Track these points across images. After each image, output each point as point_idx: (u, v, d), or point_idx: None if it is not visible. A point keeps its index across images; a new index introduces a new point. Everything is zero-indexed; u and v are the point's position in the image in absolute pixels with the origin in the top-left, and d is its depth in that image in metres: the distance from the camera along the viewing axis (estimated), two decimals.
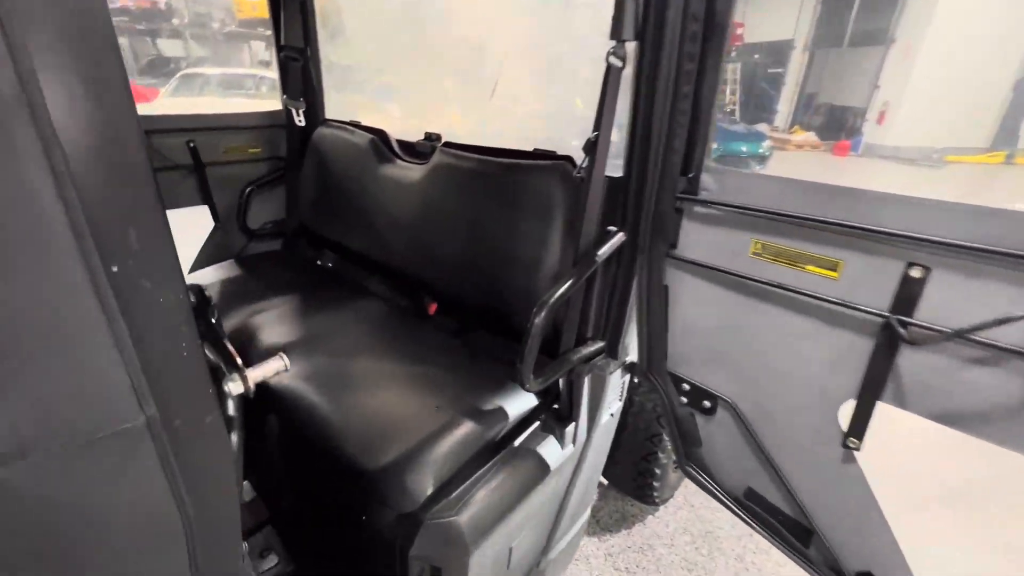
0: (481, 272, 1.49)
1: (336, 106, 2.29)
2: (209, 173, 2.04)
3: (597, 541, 2.06)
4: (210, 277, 1.95)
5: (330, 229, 2.09)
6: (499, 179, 1.44)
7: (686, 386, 1.23)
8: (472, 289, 1.54)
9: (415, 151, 1.83)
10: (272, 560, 1.54)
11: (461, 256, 1.54)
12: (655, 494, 2.03)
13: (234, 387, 0.62)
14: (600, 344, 1.35)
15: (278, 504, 1.68)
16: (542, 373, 1.18)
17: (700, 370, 1.20)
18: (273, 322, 1.62)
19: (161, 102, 7.62)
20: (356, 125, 2.03)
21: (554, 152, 1.41)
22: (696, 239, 1.11)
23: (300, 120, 2.12)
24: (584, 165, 1.17)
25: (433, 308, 1.74)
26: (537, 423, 1.34)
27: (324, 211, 2.10)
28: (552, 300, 1.10)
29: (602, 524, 2.14)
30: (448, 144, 1.66)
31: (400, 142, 1.90)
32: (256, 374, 0.65)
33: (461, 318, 1.68)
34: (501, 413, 1.25)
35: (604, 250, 1.19)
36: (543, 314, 1.09)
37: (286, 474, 1.57)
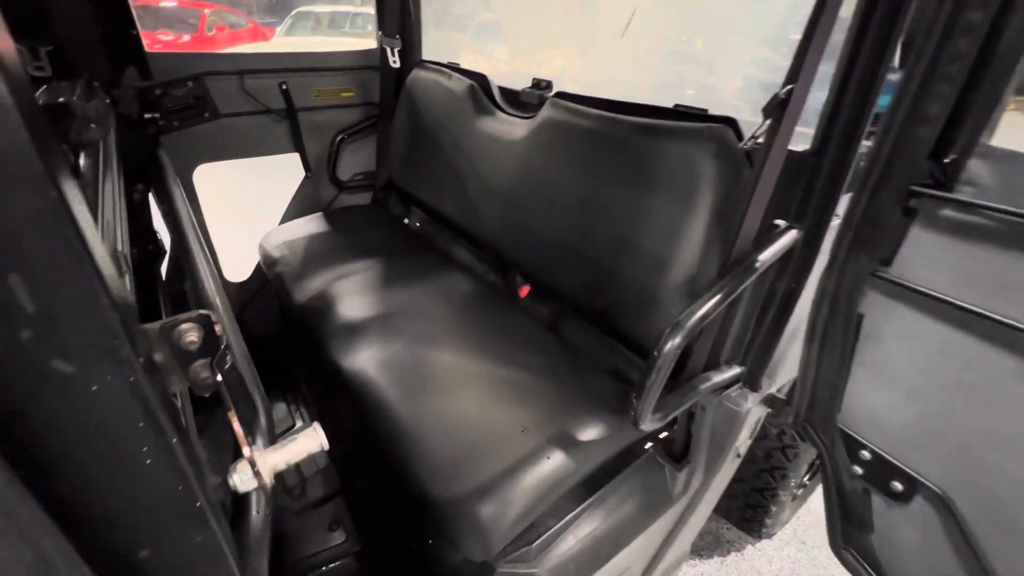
0: (588, 262, 1.20)
1: (434, 46, 2.03)
2: (300, 119, 1.92)
3: (685, 564, 1.81)
4: (295, 232, 1.87)
5: (418, 187, 1.90)
6: (626, 143, 1.12)
7: (866, 454, 0.89)
8: (574, 280, 1.27)
9: (520, 102, 1.54)
10: (339, 536, 1.49)
11: (565, 238, 1.26)
12: (763, 528, 1.72)
13: (242, 481, 0.43)
14: (737, 371, 1.03)
15: (351, 475, 1.61)
16: (661, 406, 0.91)
17: (895, 438, 0.85)
18: (352, 292, 1.48)
19: (276, 42, 7.87)
20: (455, 68, 1.76)
21: (706, 111, 1.05)
22: (935, 257, 0.73)
23: (395, 61, 1.90)
24: (762, 131, 0.82)
25: (525, 291, 1.50)
26: (643, 456, 1.08)
27: (413, 167, 1.90)
28: (691, 322, 0.81)
29: (692, 544, 1.88)
30: (561, 95, 1.34)
31: (503, 90, 1.61)
32: (278, 458, 0.46)
33: (558, 306, 1.43)
34: (599, 443, 1.01)
35: (769, 253, 0.86)
36: (677, 340, 0.80)
37: (358, 455, 1.48)
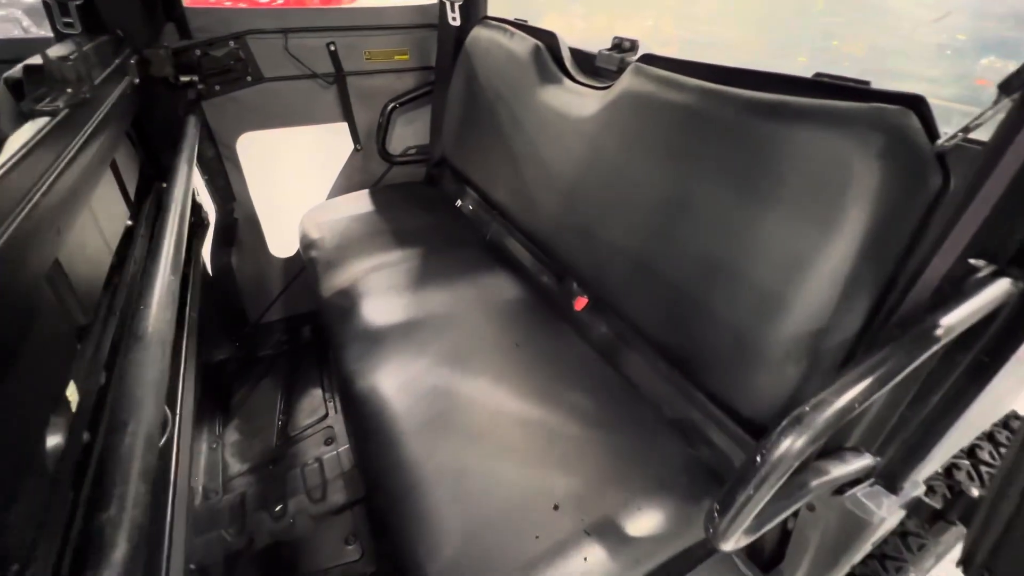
0: (667, 284, 0.91)
1: (504, 2, 1.75)
2: (349, 85, 1.73)
3: None
4: (337, 212, 1.72)
5: (470, 167, 1.67)
6: (736, 128, 0.80)
7: None
8: (645, 304, 0.98)
9: (595, 67, 1.23)
10: (354, 553, 1.37)
11: (639, 249, 0.98)
12: None
13: None
14: (868, 461, 0.72)
15: (376, 481, 1.48)
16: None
17: None
18: (383, 289, 1.29)
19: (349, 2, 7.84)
20: (519, 25, 1.47)
21: (868, 83, 0.71)
22: None
23: (454, 17, 1.64)
24: (986, 120, 0.49)
25: (581, 303, 1.24)
26: (714, 558, 0.81)
27: (466, 142, 1.66)
28: (822, 418, 0.52)
29: None
30: (648, 59, 1.02)
31: (576, 53, 1.30)
32: None
33: (620, 329, 1.15)
34: (656, 540, 0.75)
35: (965, 311, 0.54)
36: (795, 443, 0.52)
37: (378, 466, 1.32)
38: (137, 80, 1.20)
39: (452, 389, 0.98)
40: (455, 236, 1.62)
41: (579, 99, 1.17)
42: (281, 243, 1.95)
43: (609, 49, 1.17)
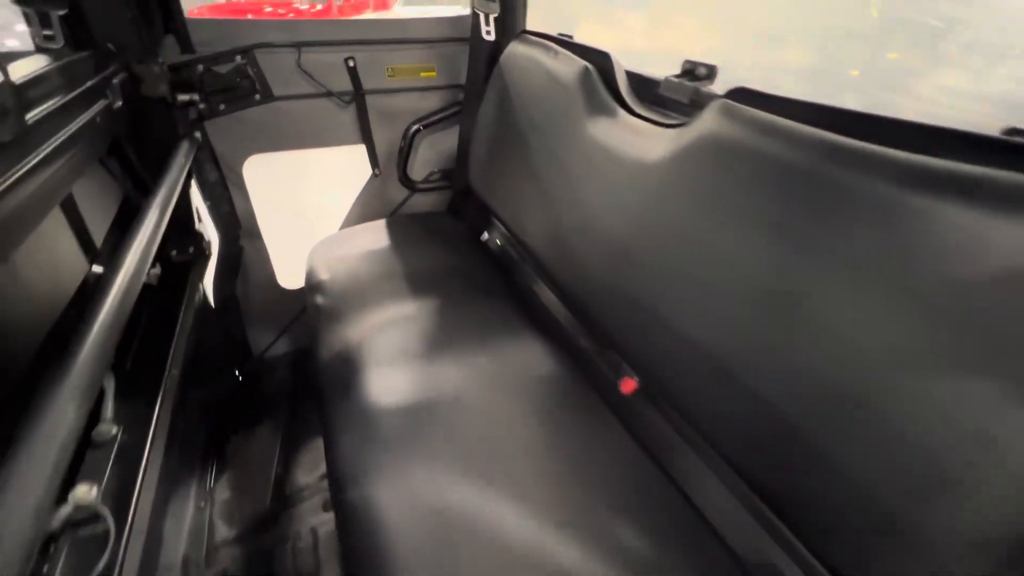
0: (759, 403, 0.67)
1: (543, 14, 1.54)
2: (369, 104, 1.55)
3: None
4: (347, 246, 1.53)
5: (499, 199, 1.45)
6: (893, 203, 0.55)
7: None
8: (723, 416, 0.74)
9: (658, 97, 1.00)
10: None
11: (718, 346, 0.73)
12: None
13: None
14: None
15: None
16: None
17: None
18: (396, 354, 1.09)
19: (395, 11, 7.79)
20: (563, 42, 1.25)
21: None
22: None
23: (488, 31, 1.44)
24: None
25: (630, 386, 1.00)
26: None
27: (496, 171, 1.45)
28: None
29: None
30: (742, 93, 0.77)
31: (634, 78, 1.07)
32: None
33: (678, 424, 0.91)
34: None
35: None
36: None
37: None
38: (119, 103, 1.03)
39: (465, 512, 0.76)
40: (479, 281, 1.41)
41: (638, 137, 0.94)
42: (290, 273, 1.79)
43: (679, 76, 0.93)
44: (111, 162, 1.06)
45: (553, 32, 1.33)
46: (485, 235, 1.68)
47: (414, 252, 1.51)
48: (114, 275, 0.74)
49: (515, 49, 1.39)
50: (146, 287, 1.33)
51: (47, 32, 1.05)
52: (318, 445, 1.65)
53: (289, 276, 1.79)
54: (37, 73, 0.80)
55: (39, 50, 1.06)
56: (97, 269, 0.99)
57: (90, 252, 0.93)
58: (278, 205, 1.64)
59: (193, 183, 1.46)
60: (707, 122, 0.77)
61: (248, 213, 1.59)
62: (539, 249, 1.26)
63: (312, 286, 1.40)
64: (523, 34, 1.41)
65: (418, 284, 1.35)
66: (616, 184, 0.95)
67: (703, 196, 0.77)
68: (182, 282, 1.40)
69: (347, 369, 1.07)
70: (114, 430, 0.85)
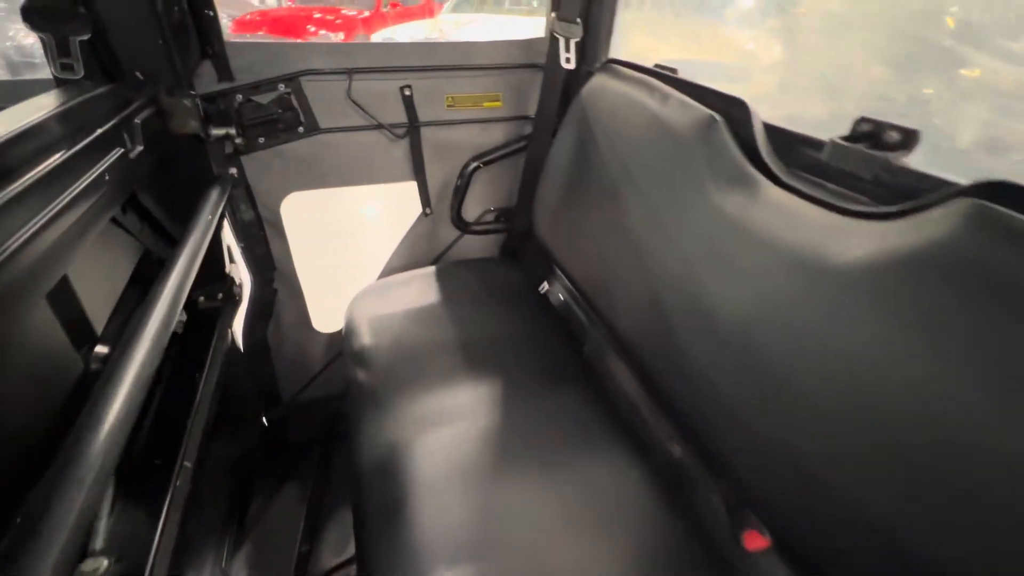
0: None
1: (636, 37, 1.31)
2: (425, 137, 1.36)
3: None
4: (394, 299, 1.33)
5: (567, 252, 1.23)
6: None
7: None
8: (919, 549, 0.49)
9: (817, 166, 0.75)
10: None
11: (909, 521, 0.49)
12: None
13: None
14: None
15: None
16: None
17: None
18: (440, 445, 0.89)
19: (440, 19, 7.69)
20: (670, 78, 1.02)
21: None
22: None
23: (568, 58, 1.22)
24: None
25: (756, 541, 0.75)
26: None
27: (567, 220, 1.23)
28: None
29: None
30: (1007, 191, 0.50)
31: (778, 135, 0.82)
32: None
33: None
34: None
35: None
36: None
37: None
38: (140, 148, 0.86)
39: None
40: (538, 344, 1.20)
41: (792, 220, 0.69)
42: (326, 316, 1.61)
43: (850, 139, 0.68)
44: (128, 218, 0.89)
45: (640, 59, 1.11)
46: (545, 286, 1.46)
47: (466, 310, 1.30)
48: (125, 364, 0.61)
49: (601, 81, 1.16)
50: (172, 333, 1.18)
51: (65, 60, 0.90)
52: (348, 518, 1.47)
53: (325, 319, 1.62)
54: (27, 125, 0.63)
55: (58, 83, 0.91)
56: (102, 350, 0.82)
57: (84, 343, 0.75)
58: (317, 245, 1.47)
59: (226, 222, 1.30)
60: (940, 227, 0.52)
61: (284, 254, 1.43)
62: (623, 325, 1.03)
63: (350, 348, 1.21)
64: (611, 64, 1.18)
65: (471, 354, 1.14)
66: (754, 275, 0.72)
67: (917, 326, 0.53)
68: (209, 329, 1.24)
69: (386, 469, 0.87)
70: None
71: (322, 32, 7.37)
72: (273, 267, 1.44)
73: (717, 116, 0.82)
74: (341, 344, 1.65)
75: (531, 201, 1.43)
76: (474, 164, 1.41)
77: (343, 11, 8.00)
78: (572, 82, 1.28)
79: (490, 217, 1.58)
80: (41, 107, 0.72)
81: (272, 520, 1.49)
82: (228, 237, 1.35)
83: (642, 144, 0.97)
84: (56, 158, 0.66)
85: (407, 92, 1.27)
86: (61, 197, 0.64)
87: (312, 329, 1.61)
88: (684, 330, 0.84)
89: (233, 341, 1.44)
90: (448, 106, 1.34)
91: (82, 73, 0.91)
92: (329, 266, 1.52)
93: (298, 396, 1.74)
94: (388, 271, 1.58)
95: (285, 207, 1.35)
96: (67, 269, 0.68)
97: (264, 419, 1.67)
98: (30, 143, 0.64)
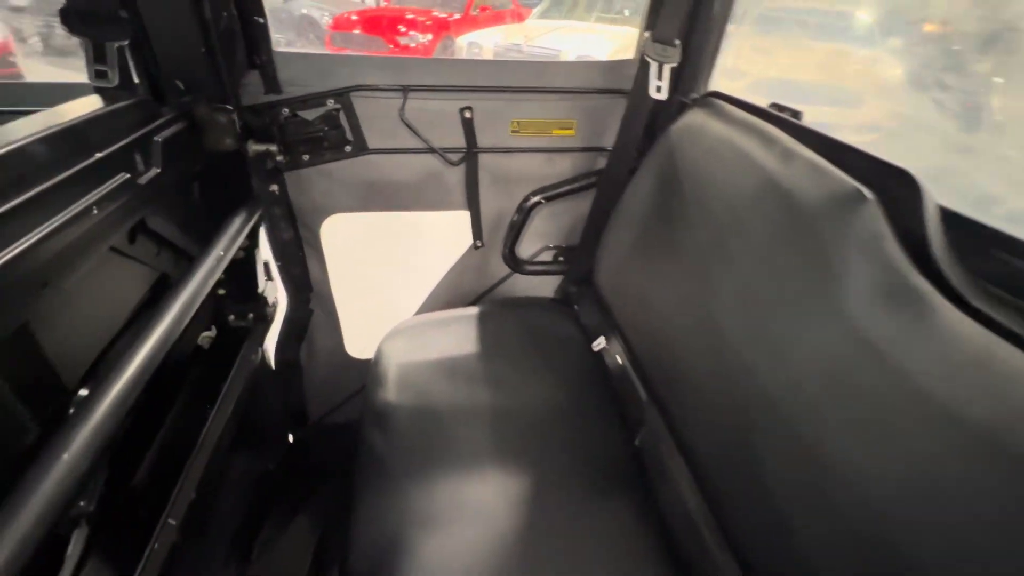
0: None
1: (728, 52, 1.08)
2: (483, 165, 1.21)
3: None
4: (432, 341, 1.19)
5: (632, 312, 1.03)
6: None
7: None
8: None
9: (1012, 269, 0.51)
10: None
11: None
12: None
13: None
14: None
15: None
16: None
17: None
18: (433, 556, 0.72)
19: (527, 24, 7.59)
20: (788, 123, 0.79)
21: None
22: None
23: (659, 88, 1.02)
24: None
25: None
26: None
27: (636, 273, 1.03)
28: None
29: None
30: None
31: (967, 227, 0.57)
32: None
33: None
34: None
35: None
36: None
37: None
38: (156, 171, 0.77)
39: None
40: (584, 423, 1.01)
41: (990, 371, 0.45)
42: (361, 344, 1.51)
43: None
44: (137, 245, 0.81)
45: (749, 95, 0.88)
46: (601, 343, 1.26)
47: (507, 366, 1.13)
48: (96, 403, 0.57)
49: (697, 118, 0.95)
50: (197, 349, 1.11)
51: (100, 67, 0.83)
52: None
53: (359, 346, 1.51)
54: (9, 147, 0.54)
55: (96, 91, 0.85)
56: (85, 393, 0.73)
57: (56, 392, 0.66)
58: (357, 270, 1.37)
59: (264, 239, 1.22)
60: None
61: (322, 276, 1.33)
62: (688, 423, 0.82)
63: (371, 399, 1.08)
64: (712, 98, 0.96)
65: (504, 429, 0.97)
66: (906, 437, 0.48)
67: None
68: (236, 348, 1.17)
69: (384, 570, 0.72)
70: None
71: (411, 32, 7.54)
72: (310, 288, 1.35)
73: (867, 192, 0.59)
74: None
75: (595, 245, 1.23)
76: (535, 199, 1.24)
77: (433, 13, 8.15)
78: (660, 114, 1.08)
79: (546, 256, 1.40)
80: (42, 122, 0.64)
81: (281, 550, 1.41)
82: (266, 253, 1.27)
83: (747, 208, 0.75)
84: (48, 184, 0.56)
85: (467, 114, 1.12)
86: (39, 228, 0.54)
87: (345, 354, 1.52)
88: (779, 475, 0.61)
89: (264, 358, 1.37)
90: (512, 132, 1.18)
91: (117, 82, 0.83)
92: (367, 292, 1.41)
93: (325, 418, 1.66)
94: (430, 304, 1.44)
95: (326, 228, 1.25)
96: (31, 312, 0.58)
97: (290, 437, 1.61)
98: (10, 167, 0.55)
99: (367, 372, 1.54)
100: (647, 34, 1.00)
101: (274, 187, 1.13)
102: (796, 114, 0.82)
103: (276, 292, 1.32)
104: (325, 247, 1.28)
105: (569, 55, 5.90)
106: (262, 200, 1.08)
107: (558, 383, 1.12)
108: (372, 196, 1.22)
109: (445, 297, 1.44)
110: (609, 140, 1.21)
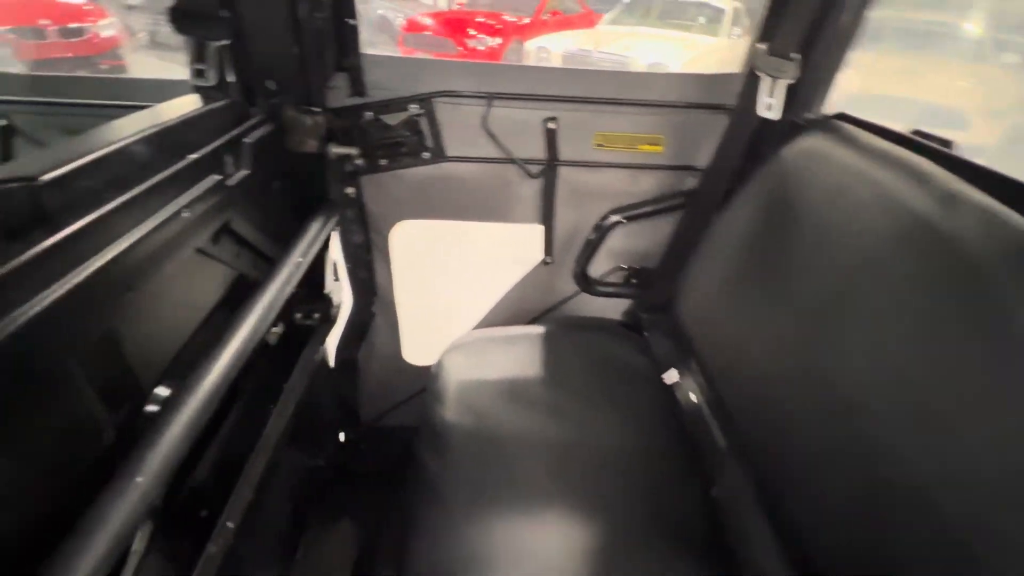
0: None
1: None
2: (561, 178, 1.14)
3: None
4: (495, 357, 1.14)
5: (720, 360, 0.93)
6: None
7: None
8: None
9: None
10: None
11: None
12: None
13: None
14: None
15: None
16: None
17: None
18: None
19: (598, 30, 7.46)
20: (941, 154, 0.67)
21: None
22: None
23: (771, 105, 0.91)
24: None
25: None
26: None
27: (726, 315, 0.93)
28: None
29: None
30: None
31: None
32: None
33: None
34: None
35: None
36: None
37: None
38: (244, 172, 0.76)
39: None
40: (653, 467, 0.92)
41: None
42: (418, 350, 1.49)
43: None
44: (219, 246, 0.80)
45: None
46: (674, 375, 1.16)
47: (571, 395, 1.06)
48: (184, 402, 0.56)
49: (818, 143, 0.84)
50: (264, 345, 1.12)
51: (199, 66, 0.83)
52: None
53: (417, 352, 1.49)
54: (106, 151, 0.53)
55: (195, 89, 0.86)
56: (162, 392, 0.73)
57: (138, 388, 0.66)
58: (422, 276, 1.34)
59: (334, 241, 1.22)
60: None
61: (387, 280, 1.32)
62: (790, 495, 0.72)
63: (430, 414, 1.04)
64: (837, 120, 0.85)
65: (566, 468, 0.90)
66: None
67: None
68: (300, 346, 1.17)
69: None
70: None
71: (480, 36, 7.61)
72: (374, 292, 1.34)
73: None
74: (425, 378, 1.54)
75: (677, 271, 1.14)
76: (615, 218, 1.16)
77: (503, 16, 8.19)
78: (766, 134, 0.97)
79: (618, 277, 1.32)
80: (143, 121, 0.64)
81: (325, 554, 1.41)
82: (335, 252, 1.27)
83: (887, 255, 0.64)
84: (144, 186, 0.56)
85: (551, 125, 1.06)
86: (136, 229, 0.54)
87: (402, 359, 1.50)
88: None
89: (324, 356, 1.38)
90: (596, 145, 1.11)
91: (214, 81, 0.84)
92: (430, 299, 1.39)
93: (376, 420, 1.65)
94: (492, 316, 1.40)
95: (395, 233, 1.24)
96: (116, 317, 0.57)
97: (341, 435, 1.61)
98: (111, 167, 0.54)
99: (423, 378, 1.52)
100: (761, 46, 0.90)
101: (350, 190, 1.12)
102: (946, 143, 0.70)
103: (341, 293, 1.32)
104: (392, 252, 1.26)
105: (640, 62, 5.74)
106: (337, 204, 1.07)
107: (626, 417, 1.03)
108: (444, 204, 1.19)
109: (507, 311, 1.39)
110: (701, 158, 1.11)
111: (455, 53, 7.33)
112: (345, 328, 1.40)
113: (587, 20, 8.56)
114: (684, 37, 6.81)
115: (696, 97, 1.07)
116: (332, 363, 1.45)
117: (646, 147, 1.11)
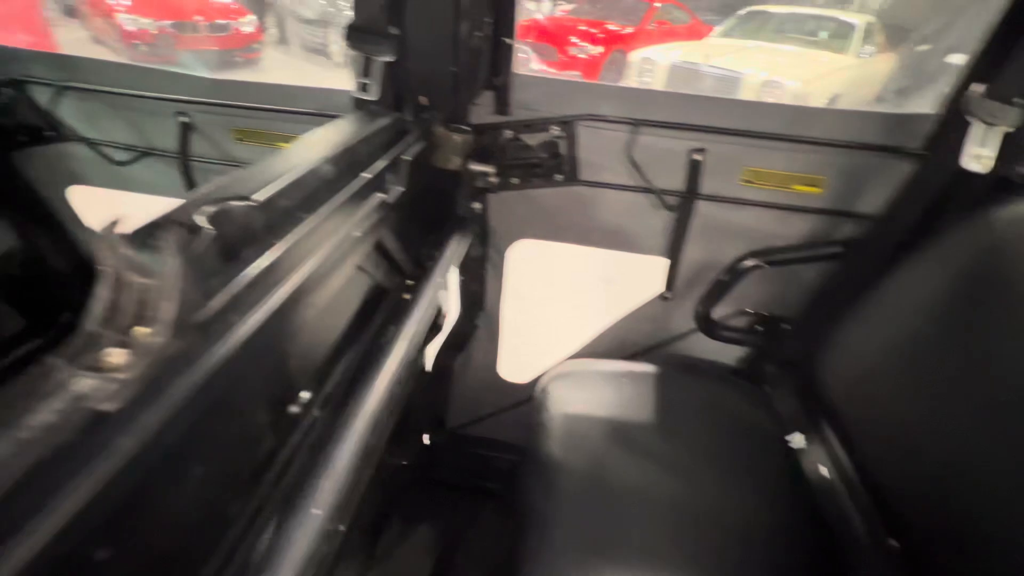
0: None
1: None
2: (699, 213, 1.07)
3: None
4: (599, 389, 1.09)
5: (875, 445, 0.81)
6: None
7: None
8: None
9: None
10: None
11: None
12: None
13: None
14: None
15: None
16: None
17: None
18: None
19: (707, 42, 7.12)
20: None
21: None
22: None
23: (980, 156, 0.78)
24: None
25: None
26: None
27: (898, 402, 0.81)
28: None
29: None
30: None
31: None
32: None
33: None
34: None
35: None
36: None
37: None
38: (401, 190, 0.77)
39: None
40: (776, 549, 0.82)
41: None
42: (513, 367, 1.47)
43: None
44: (369, 260, 0.82)
45: None
46: (799, 441, 1.04)
47: (684, 450, 0.98)
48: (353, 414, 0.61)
49: None
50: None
51: (364, 80, 0.86)
52: None
53: (511, 369, 1.48)
54: (298, 174, 0.55)
55: (357, 105, 0.88)
56: (305, 395, 0.76)
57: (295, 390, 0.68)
58: (531, 295, 1.32)
59: None
60: None
61: (496, 296, 1.31)
62: None
63: (537, 442, 1.01)
64: None
65: (696, 528, 0.83)
66: None
67: None
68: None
69: None
70: None
71: (582, 43, 7.54)
72: (482, 306, 1.34)
73: None
74: (516, 395, 1.51)
75: (821, 324, 1.02)
76: (754, 261, 1.06)
77: (607, 25, 8.06)
78: (962, 188, 0.83)
79: (742, 322, 1.21)
80: (324, 140, 0.66)
81: (401, 558, 1.43)
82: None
83: None
84: (327, 207, 0.57)
85: (697, 157, 0.99)
86: (318, 250, 0.55)
87: (495, 373, 1.49)
88: None
89: (423, 360, 1.40)
90: (744, 181, 1.02)
91: (376, 96, 0.86)
92: (535, 319, 1.37)
93: (461, 428, 1.66)
94: (595, 344, 1.35)
95: (513, 250, 1.22)
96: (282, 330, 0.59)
97: (426, 438, 1.63)
98: (304, 187, 0.56)
99: (513, 395, 1.50)
100: (978, 87, 0.77)
101: (476, 205, 1.12)
102: None
103: (448, 302, 1.33)
104: (507, 269, 1.25)
105: (752, 79, 5.40)
106: (471, 222, 1.07)
107: (747, 481, 0.94)
108: (567, 227, 1.15)
109: (612, 341, 1.33)
110: (866, 205, 0.98)
111: (555, 61, 7.32)
112: (448, 336, 1.42)
113: (695, 32, 8.22)
114: (802, 52, 6.33)
115: (869, 137, 0.95)
116: (428, 367, 1.47)
117: (801, 187, 1.01)
